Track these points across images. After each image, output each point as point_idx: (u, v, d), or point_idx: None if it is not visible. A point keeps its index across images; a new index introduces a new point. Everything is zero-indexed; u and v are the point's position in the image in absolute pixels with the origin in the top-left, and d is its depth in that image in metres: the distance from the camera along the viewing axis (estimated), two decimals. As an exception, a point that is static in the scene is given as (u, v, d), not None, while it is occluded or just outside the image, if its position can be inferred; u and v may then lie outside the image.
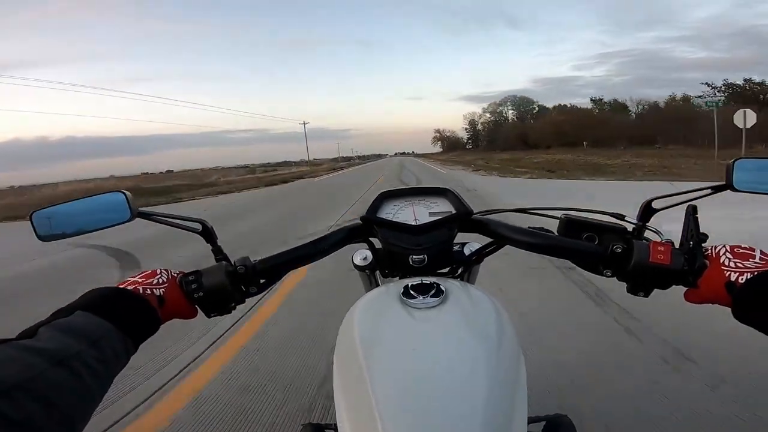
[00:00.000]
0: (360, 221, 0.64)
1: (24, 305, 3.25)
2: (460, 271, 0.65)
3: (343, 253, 0.65)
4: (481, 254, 0.64)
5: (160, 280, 0.50)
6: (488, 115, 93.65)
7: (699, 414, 1.44)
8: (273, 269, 0.58)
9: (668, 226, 0.56)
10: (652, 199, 0.55)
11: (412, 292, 0.48)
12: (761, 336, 0.41)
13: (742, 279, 0.43)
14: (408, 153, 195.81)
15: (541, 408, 1.25)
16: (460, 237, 0.64)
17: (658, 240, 0.51)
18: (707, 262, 0.46)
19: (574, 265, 0.57)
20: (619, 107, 59.23)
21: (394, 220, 0.63)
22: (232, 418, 1.59)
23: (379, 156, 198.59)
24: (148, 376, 1.93)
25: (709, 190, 0.53)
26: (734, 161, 0.51)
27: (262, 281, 0.58)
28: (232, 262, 0.56)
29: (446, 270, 0.64)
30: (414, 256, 0.58)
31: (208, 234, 0.56)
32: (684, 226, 0.49)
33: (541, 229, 0.60)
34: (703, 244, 0.48)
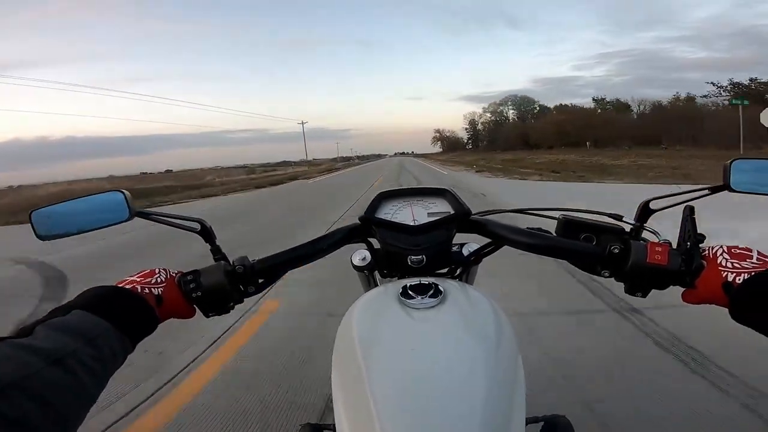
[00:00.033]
0: (359, 221, 0.64)
1: None
2: (458, 271, 0.65)
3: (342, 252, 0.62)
4: (479, 255, 0.64)
5: (159, 280, 0.51)
6: (489, 114, 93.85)
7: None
8: (272, 269, 0.58)
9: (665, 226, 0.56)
10: (650, 200, 0.55)
11: (410, 292, 0.48)
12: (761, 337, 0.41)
13: (739, 279, 0.43)
14: (407, 153, 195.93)
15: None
16: (458, 237, 0.64)
17: (656, 240, 0.51)
18: (704, 262, 0.46)
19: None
20: (622, 107, 59.06)
21: (392, 220, 0.63)
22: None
23: (379, 156, 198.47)
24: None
25: (706, 191, 0.53)
26: (732, 162, 0.51)
27: (260, 281, 0.58)
28: (231, 262, 0.56)
29: (445, 270, 0.64)
30: (412, 257, 0.58)
31: (206, 234, 0.56)
32: (681, 227, 0.49)
33: (539, 229, 0.60)
34: (700, 245, 0.48)
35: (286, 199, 12.31)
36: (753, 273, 0.42)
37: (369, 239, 0.65)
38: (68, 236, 0.55)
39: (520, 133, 68.72)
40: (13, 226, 9.02)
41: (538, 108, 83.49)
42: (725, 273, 0.44)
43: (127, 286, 0.47)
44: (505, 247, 0.62)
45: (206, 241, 0.57)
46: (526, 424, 0.39)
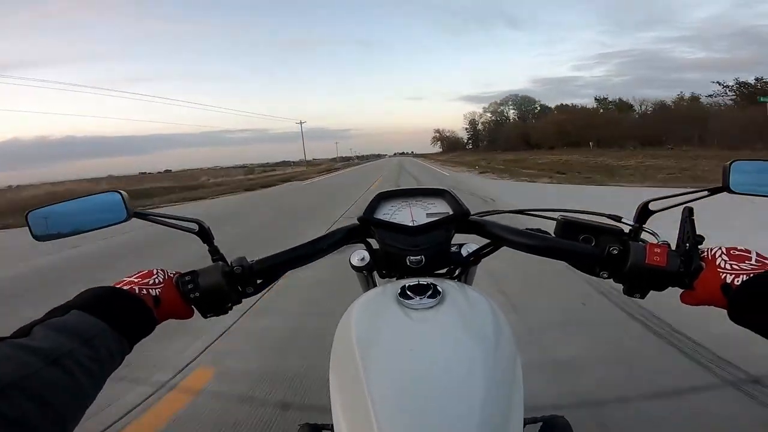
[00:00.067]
0: (357, 222, 0.64)
1: None
2: (457, 272, 0.65)
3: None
4: (478, 255, 0.64)
5: (156, 280, 0.50)
6: (489, 114, 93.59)
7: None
8: (270, 269, 0.58)
9: (664, 225, 0.56)
10: (649, 201, 0.55)
11: (409, 292, 0.48)
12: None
13: (738, 281, 0.43)
14: (407, 153, 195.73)
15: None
16: (457, 238, 0.64)
17: (655, 242, 0.51)
18: (703, 264, 0.46)
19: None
20: (624, 107, 58.82)
21: (391, 220, 0.63)
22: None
23: (378, 156, 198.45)
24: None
25: (705, 193, 0.53)
26: (731, 163, 0.51)
27: (259, 281, 0.58)
28: (229, 263, 0.56)
29: (443, 271, 0.64)
30: (411, 257, 0.58)
31: (204, 234, 0.56)
32: (680, 228, 0.49)
33: (538, 230, 0.60)
34: (699, 246, 0.48)
35: (277, 200, 12.23)
36: (752, 275, 0.42)
37: (368, 239, 0.65)
38: (65, 237, 0.55)
39: (520, 133, 68.46)
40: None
41: (539, 108, 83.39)
42: (724, 274, 0.44)
43: (125, 287, 0.47)
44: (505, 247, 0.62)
45: (204, 242, 0.57)
46: (525, 425, 0.39)
